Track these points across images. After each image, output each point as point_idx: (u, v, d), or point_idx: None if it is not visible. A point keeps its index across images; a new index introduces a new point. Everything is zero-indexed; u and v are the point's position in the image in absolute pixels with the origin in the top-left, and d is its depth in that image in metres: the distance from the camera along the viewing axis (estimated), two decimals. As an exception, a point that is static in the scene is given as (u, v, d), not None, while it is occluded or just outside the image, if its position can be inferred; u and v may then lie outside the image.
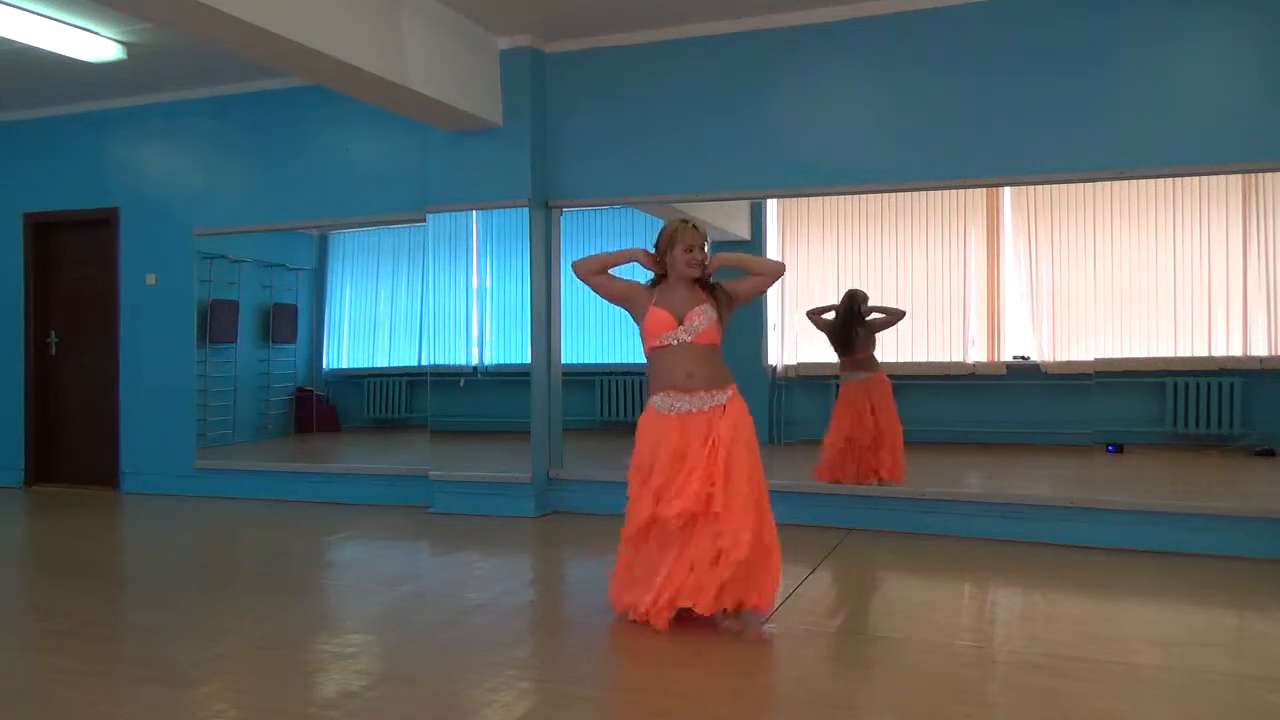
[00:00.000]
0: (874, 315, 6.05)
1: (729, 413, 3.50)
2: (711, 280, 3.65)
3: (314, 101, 6.25)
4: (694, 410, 3.49)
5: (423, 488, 6.03)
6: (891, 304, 7.66)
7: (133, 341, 6.95)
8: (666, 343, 3.54)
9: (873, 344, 6.02)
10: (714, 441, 3.44)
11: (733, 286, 3.69)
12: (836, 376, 6.15)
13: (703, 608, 3.39)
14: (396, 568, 4.72)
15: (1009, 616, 3.74)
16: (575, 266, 3.73)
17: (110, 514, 6.23)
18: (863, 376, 5.91)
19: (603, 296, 3.71)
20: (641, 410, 3.67)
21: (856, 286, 6.15)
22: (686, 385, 3.50)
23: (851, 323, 5.95)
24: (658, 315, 3.54)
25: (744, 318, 7.90)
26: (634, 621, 3.50)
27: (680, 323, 3.53)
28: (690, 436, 3.47)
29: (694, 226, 3.61)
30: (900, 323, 6.93)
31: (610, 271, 3.70)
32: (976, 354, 7.67)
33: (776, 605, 3.76)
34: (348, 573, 4.70)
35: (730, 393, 3.55)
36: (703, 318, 3.54)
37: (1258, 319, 7.25)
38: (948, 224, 7.66)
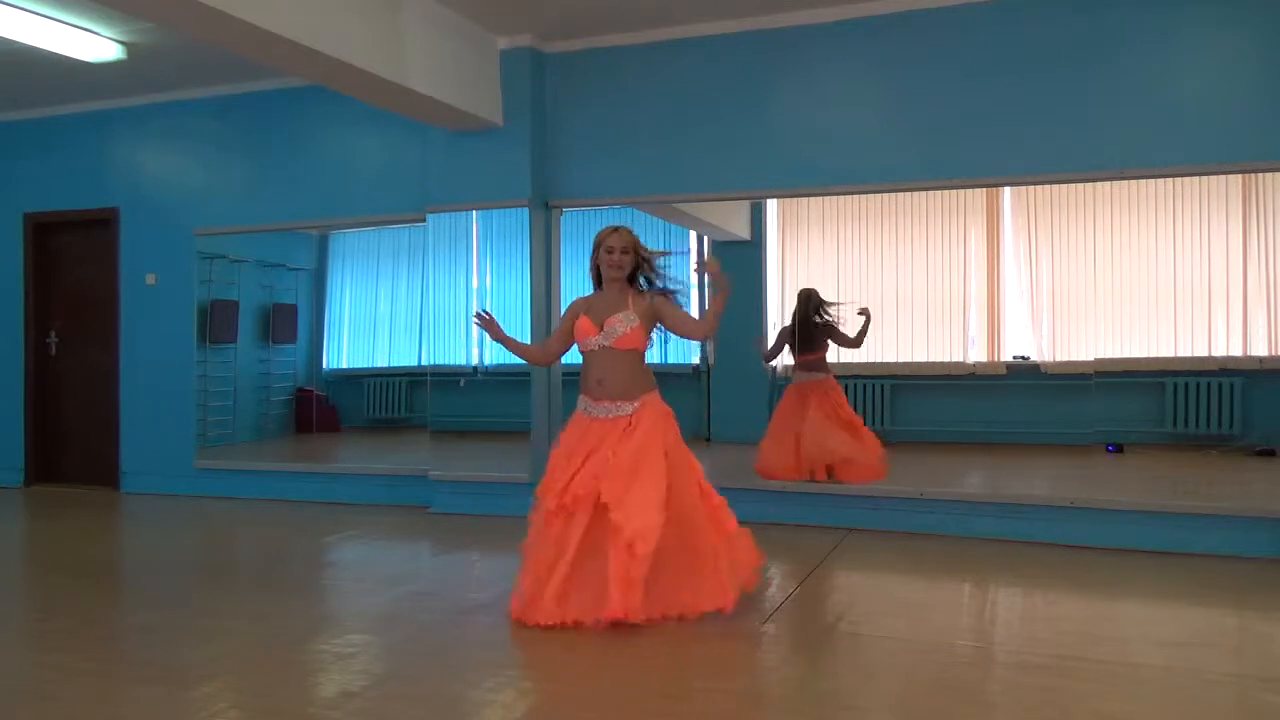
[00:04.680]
0: (833, 318, 6.04)
1: (635, 424, 3.59)
2: (648, 286, 3.77)
3: (314, 101, 6.25)
4: (599, 417, 3.65)
5: (423, 488, 6.03)
6: (891, 304, 7.67)
7: (133, 341, 6.94)
8: (589, 348, 3.71)
9: (826, 346, 6.02)
10: (613, 447, 3.54)
11: (665, 309, 3.73)
12: (838, 376, 6.15)
13: (632, 613, 3.38)
14: (396, 568, 4.72)
15: (1009, 616, 3.74)
16: (541, 364, 4.15)
17: (110, 514, 6.22)
18: (815, 377, 5.92)
19: (571, 344, 3.85)
20: None
21: (812, 287, 6.18)
22: (596, 392, 3.67)
23: (809, 322, 5.96)
24: (582, 322, 3.72)
25: (744, 317, 7.94)
26: (517, 620, 3.51)
27: (600, 329, 3.67)
28: (590, 439, 3.61)
29: (616, 229, 3.75)
30: (899, 323, 6.93)
31: (556, 335, 3.90)
32: (976, 354, 7.68)
33: (778, 605, 3.77)
34: (348, 573, 4.70)
35: (637, 405, 3.63)
36: (621, 324, 3.66)
37: (1258, 319, 7.26)
38: (948, 224, 7.67)
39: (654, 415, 3.64)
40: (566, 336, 3.83)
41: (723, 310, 3.66)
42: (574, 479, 3.52)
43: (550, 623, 3.43)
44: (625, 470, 3.49)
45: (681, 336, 3.83)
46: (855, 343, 6.09)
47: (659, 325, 3.77)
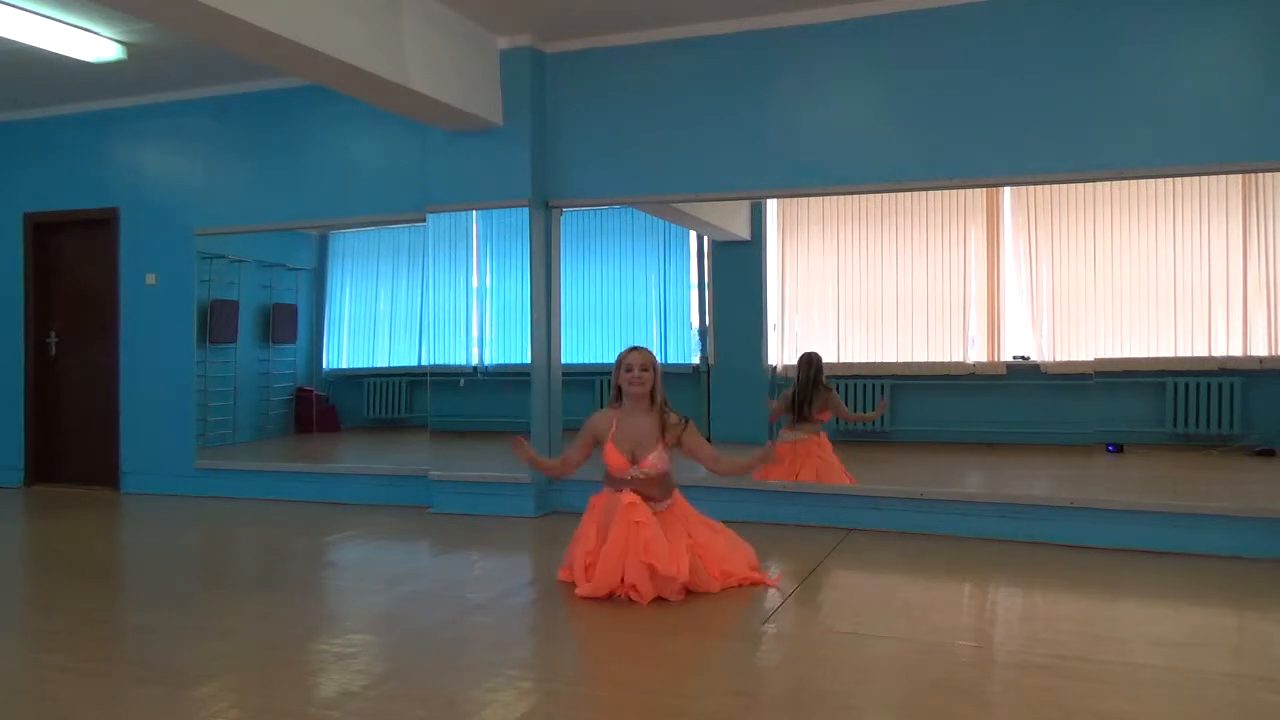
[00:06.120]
0: (833, 397, 6.06)
1: (673, 514, 3.98)
2: (671, 417, 4.02)
3: (314, 101, 6.25)
4: None
5: (423, 488, 6.03)
6: (891, 304, 7.67)
7: (133, 341, 6.94)
8: (623, 477, 3.97)
9: (827, 413, 6.00)
10: (696, 528, 4.00)
11: (692, 444, 4.06)
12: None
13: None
14: (396, 568, 4.72)
15: (1009, 616, 3.74)
16: (564, 475, 4.45)
17: (110, 514, 6.22)
18: (803, 434, 5.86)
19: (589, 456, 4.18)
20: None
21: (814, 351, 6.14)
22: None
23: (811, 387, 5.92)
24: (613, 455, 3.97)
25: (745, 317, 7.93)
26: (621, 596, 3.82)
27: (631, 462, 3.95)
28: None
29: (636, 348, 4.07)
30: (899, 323, 6.94)
31: (576, 448, 4.15)
32: (976, 354, 7.68)
33: (778, 605, 3.77)
34: (348, 573, 4.70)
35: (670, 501, 4.02)
36: (653, 467, 3.96)
37: (1258, 319, 7.26)
38: (948, 224, 7.67)
39: (682, 508, 4.06)
40: (587, 449, 4.12)
41: (748, 471, 4.24)
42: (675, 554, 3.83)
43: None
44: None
45: (700, 464, 4.17)
46: (850, 418, 6.26)
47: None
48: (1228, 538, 4.54)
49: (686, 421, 4.05)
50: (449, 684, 3.00)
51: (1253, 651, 3.35)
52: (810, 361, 6.00)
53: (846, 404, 7.46)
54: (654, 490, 3.98)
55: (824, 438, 5.94)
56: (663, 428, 3.99)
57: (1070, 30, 4.90)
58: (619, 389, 4.06)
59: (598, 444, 4.07)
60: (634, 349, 4.07)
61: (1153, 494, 5.27)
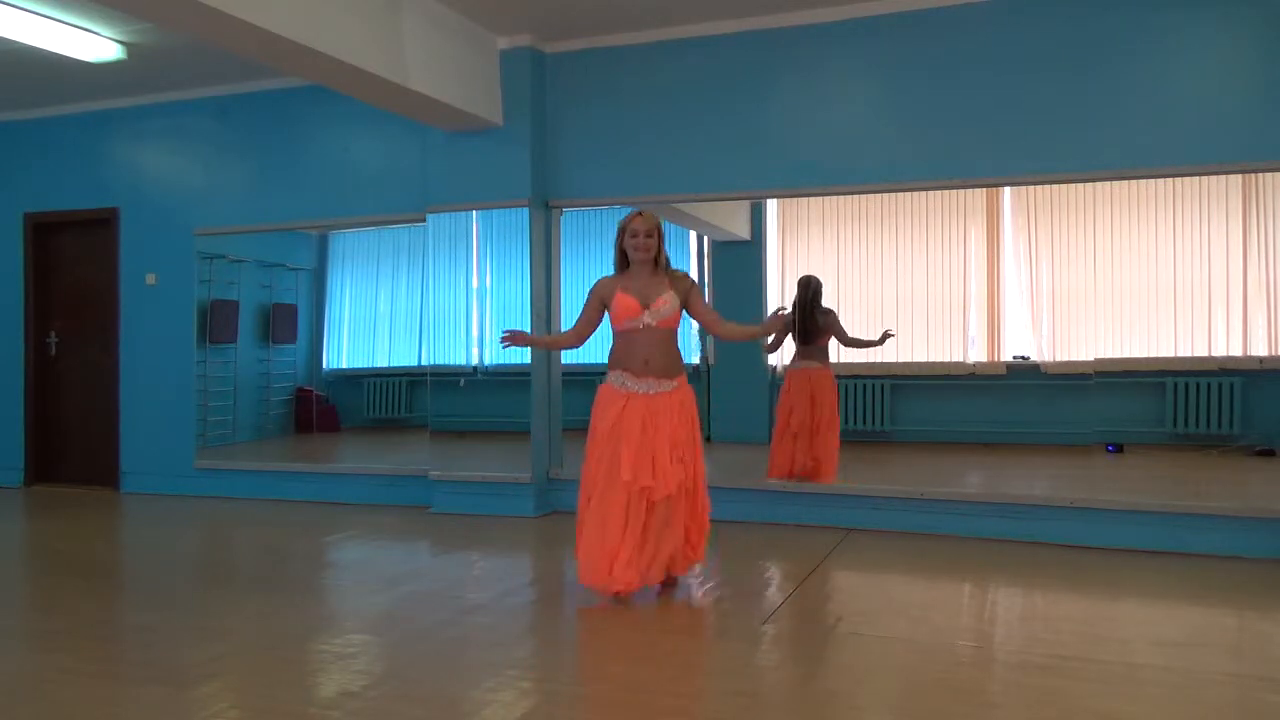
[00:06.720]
0: (832, 318, 6.05)
1: (678, 400, 3.81)
2: (677, 273, 3.90)
3: (314, 101, 6.25)
4: (641, 393, 3.77)
5: (423, 488, 6.03)
6: (891, 304, 7.67)
7: (133, 341, 6.94)
8: (633, 326, 3.80)
9: (827, 336, 6.01)
10: (679, 426, 3.78)
11: (695, 297, 3.91)
12: (839, 376, 6.15)
13: (679, 569, 3.89)
14: (396, 568, 4.72)
15: (1009, 616, 3.74)
16: (572, 346, 4.13)
17: (110, 514, 6.22)
18: (810, 365, 5.92)
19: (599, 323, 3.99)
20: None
21: (813, 274, 6.13)
22: (640, 370, 3.78)
23: (809, 309, 5.94)
24: (624, 301, 3.80)
25: (745, 317, 7.90)
26: (617, 594, 3.72)
27: (645, 308, 3.79)
28: (645, 413, 3.74)
29: (641, 213, 3.89)
30: (899, 323, 6.92)
31: (585, 317, 3.96)
32: (976, 354, 7.68)
33: (778, 604, 3.77)
34: (348, 573, 4.70)
35: (677, 383, 3.84)
36: (667, 305, 3.80)
37: (1258, 319, 7.26)
38: (948, 224, 7.66)
39: (691, 395, 3.89)
40: (596, 316, 3.94)
41: (751, 338, 4.13)
42: (657, 464, 3.69)
43: (629, 589, 3.69)
44: (695, 457, 3.84)
45: (701, 324, 4.00)
46: (851, 342, 6.13)
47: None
48: (1228, 538, 4.54)
49: (693, 282, 3.92)
50: (449, 684, 3.01)
51: (1253, 651, 3.35)
52: (809, 283, 6.02)
53: (846, 399, 7.44)
54: (662, 358, 3.78)
55: (829, 373, 5.98)
56: (670, 282, 3.84)
57: (1070, 30, 4.90)
58: (623, 254, 3.88)
59: (605, 309, 3.88)
60: (638, 214, 3.87)
61: (1153, 494, 5.26)
